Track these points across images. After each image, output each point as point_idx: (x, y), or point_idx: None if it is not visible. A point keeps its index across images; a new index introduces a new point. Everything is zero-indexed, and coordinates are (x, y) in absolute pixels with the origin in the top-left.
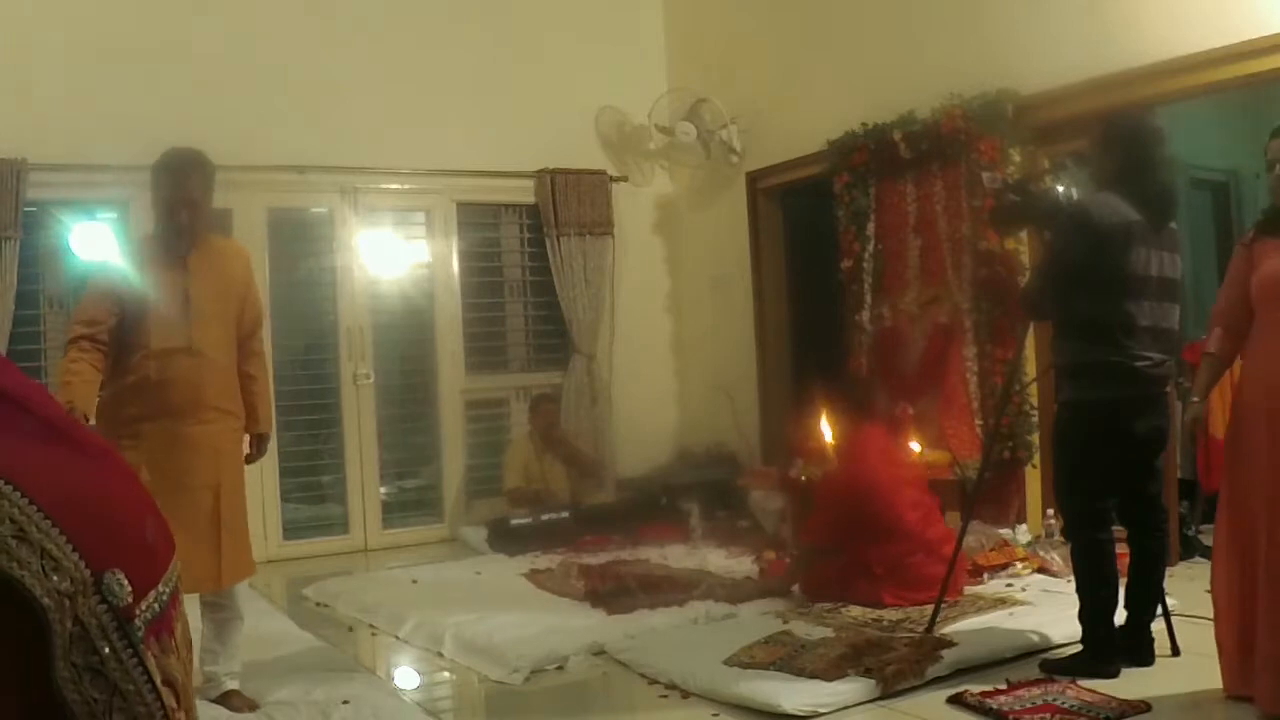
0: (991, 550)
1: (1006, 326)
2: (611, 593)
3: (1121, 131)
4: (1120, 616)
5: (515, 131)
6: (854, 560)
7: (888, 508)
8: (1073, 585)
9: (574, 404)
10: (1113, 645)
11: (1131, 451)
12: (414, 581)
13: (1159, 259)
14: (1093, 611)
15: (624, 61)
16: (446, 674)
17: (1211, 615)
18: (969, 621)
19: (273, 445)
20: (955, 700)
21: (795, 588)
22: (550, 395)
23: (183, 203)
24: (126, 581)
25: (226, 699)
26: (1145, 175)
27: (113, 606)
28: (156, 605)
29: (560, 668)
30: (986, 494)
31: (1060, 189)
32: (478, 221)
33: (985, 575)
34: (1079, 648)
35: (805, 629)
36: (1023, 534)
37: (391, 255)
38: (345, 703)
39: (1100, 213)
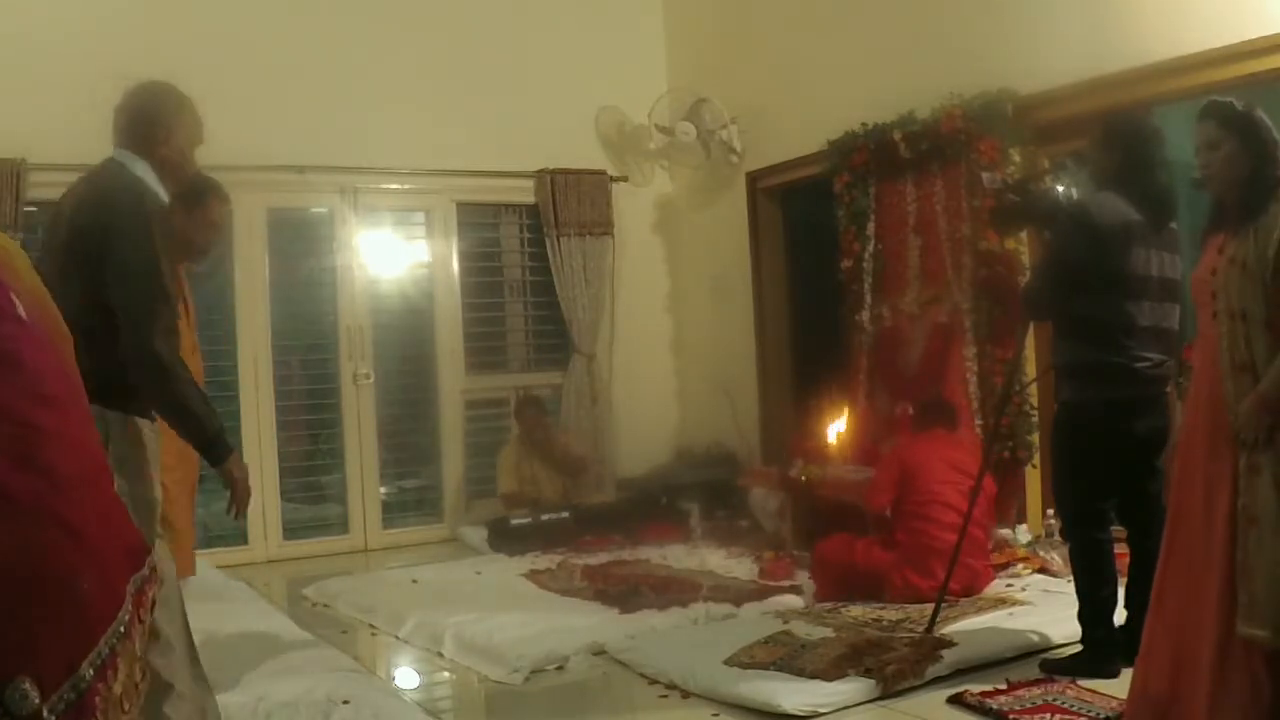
0: (992, 550)
1: (1006, 326)
2: (623, 594)
3: (1121, 131)
4: (1120, 616)
5: (515, 131)
6: (889, 534)
7: (935, 478)
8: (1073, 585)
9: (574, 404)
10: (1113, 645)
11: (1131, 452)
12: (414, 581)
13: (1159, 259)
14: (1092, 611)
15: (624, 61)
16: (446, 674)
17: None
18: (969, 621)
19: (273, 445)
20: (955, 700)
21: (807, 579)
22: (534, 398)
23: None
24: (32, 688)
25: None
26: (1145, 175)
27: (16, 717)
28: (72, 693)
29: (560, 668)
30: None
31: (1060, 189)
32: (478, 221)
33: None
34: (1079, 648)
35: (805, 629)
36: (1023, 534)
37: (391, 255)
38: (345, 703)
39: (1100, 213)
